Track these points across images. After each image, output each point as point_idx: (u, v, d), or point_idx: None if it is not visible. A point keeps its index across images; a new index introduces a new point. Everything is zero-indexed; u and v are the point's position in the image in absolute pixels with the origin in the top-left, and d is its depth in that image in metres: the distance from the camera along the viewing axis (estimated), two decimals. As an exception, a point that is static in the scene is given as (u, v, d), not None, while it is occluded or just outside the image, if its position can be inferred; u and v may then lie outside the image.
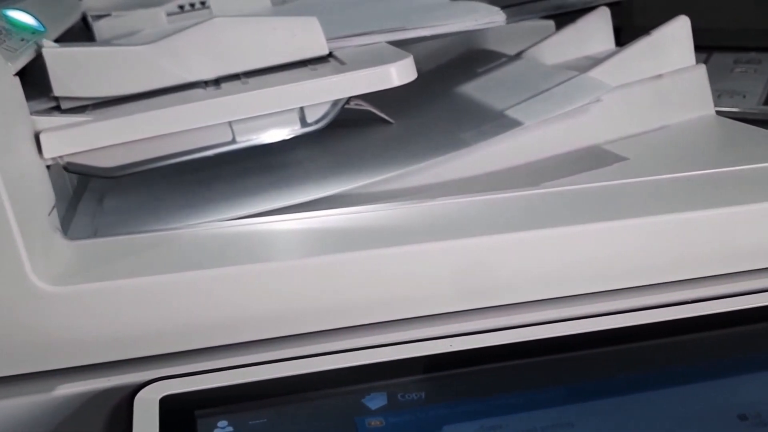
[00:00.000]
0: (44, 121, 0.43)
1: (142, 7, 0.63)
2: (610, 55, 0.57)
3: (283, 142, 0.47)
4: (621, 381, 0.39)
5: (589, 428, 0.37)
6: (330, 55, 0.50)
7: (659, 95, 0.57)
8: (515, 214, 0.45)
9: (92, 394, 0.39)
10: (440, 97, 0.61)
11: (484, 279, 0.43)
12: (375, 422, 0.37)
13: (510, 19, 0.55)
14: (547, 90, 0.54)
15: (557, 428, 0.37)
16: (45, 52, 0.45)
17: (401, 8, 0.59)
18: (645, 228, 0.44)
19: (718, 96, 0.83)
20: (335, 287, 0.41)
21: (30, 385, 0.39)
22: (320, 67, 0.48)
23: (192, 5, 0.64)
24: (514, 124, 0.52)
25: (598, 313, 0.43)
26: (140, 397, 0.38)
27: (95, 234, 0.47)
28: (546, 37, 0.65)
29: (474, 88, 0.61)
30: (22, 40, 0.45)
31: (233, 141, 0.46)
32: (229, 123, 0.45)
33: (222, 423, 0.37)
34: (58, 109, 0.47)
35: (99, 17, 0.62)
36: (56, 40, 0.48)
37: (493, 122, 0.53)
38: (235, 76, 0.48)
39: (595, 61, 0.57)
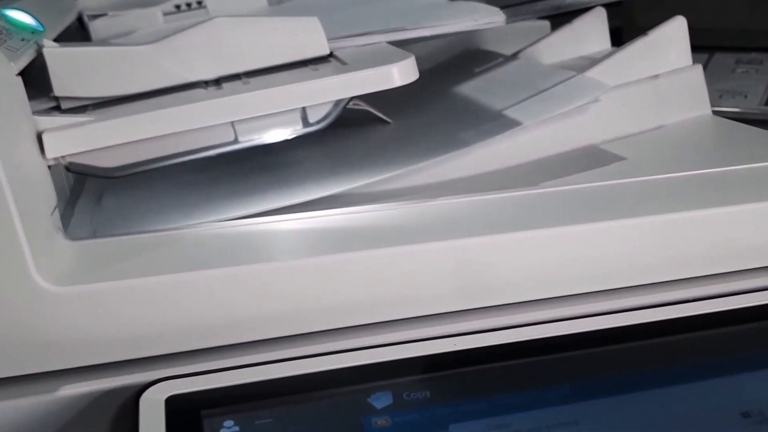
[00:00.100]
0: (46, 121, 0.43)
1: (139, 6, 0.63)
2: (607, 56, 0.57)
3: (282, 142, 0.47)
4: (625, 379, 0.39)
5: (594, 426, 0.37)
6: (331, 55, 0.50)
7: (656, 95, 0.57)
8: (515, 213, 0.46)
9: (97, 395, 0.39)
10: (438, 97, 0.62)
11: (485, 278, 0.43)
12: (381, 421, 0.37)
13: (508, 19, 0.56)
14: (545, 90, 0.54)
15: (562, 427, 0.37)
16: (46, 52, 0.45)
17: (401, 8, 0.59)
18: (650, 227, 0.44)
19: (719, 96, 0.83)
20: (338, 287, 0.41)
21: (35, 386, 0.39)
22: (322, 67, 0.48)
23: (188, 5, 0.64)
24: (513, 124, 0.52)
25: (601, 311, 0.43)
26: (146, 398, 0.38)
27: (94, 234, 0.46)
28: (542, 38, 0.65)
29: (472, 88, 0.61)
30: (23, 39, 0.45)
31: (235, 141, 0.46)
32: (232, 123, 0.45)
33: (228, 423, 0.37)
34: (57, 109, 0.47)
35: (95, 17, 0.62)
36: (54, 40, 0.48)
37: (492, 122, 0.53)
38: (235, 76, 0.48)
39: (592, 62, 0.57)
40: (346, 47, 0.51)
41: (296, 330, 0.41)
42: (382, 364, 0.40)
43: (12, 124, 0.39)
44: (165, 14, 0.63)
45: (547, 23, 0.73)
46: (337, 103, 0.46)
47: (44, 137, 0.42)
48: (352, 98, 0.47)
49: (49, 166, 0.43)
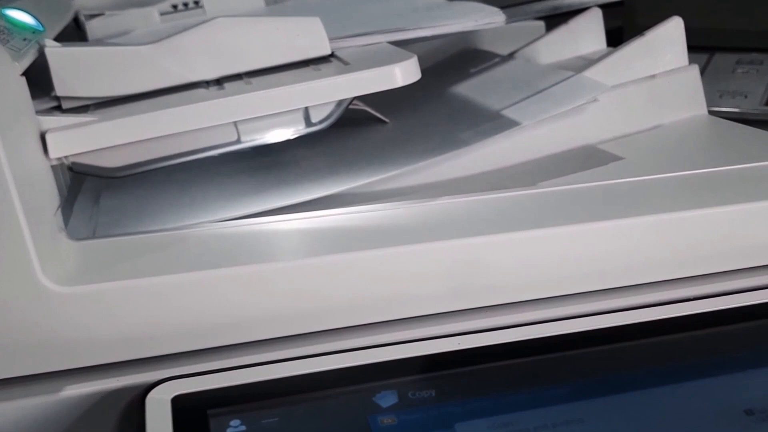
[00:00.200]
0: (50, 121, 0.43)
1: (136, 6, 0.63)
2: (604, 56, 0.57)
3: (281, 142, 0.47)
4: (629, 377, 0.39)
5: (598, 424, 0.37)
6: (332, 55, 0.50)
7: (653, 95, 0.57)
8: (515, 213, 0.46)
9: (102, 395, 0.39)
10: (436, 97, 0.62)
11: (484, 278, 0.43)
12: (387, 420, 0.37)
13: (507, 19, 0.56)
14: (544, 90, 0.55)
15: (568, 425, 0.37)
16: (48, 51, 0.45)
17: (400, 8, 0.59)
18: (654, 225, 0.45)
19: (719, 96, 0.83)
20: (342, 286, 0.41)
21: (41, 386, 0.39)
22: (323, 67, 0.48)
23: (185, 5, 0.64)
24: (512, 123, 0.52)
25: (604, 310, 0.43)
26: (152, 397, 0.38)
27: (94, 234, 0.46)
28: (538, 38, 0.65)
29: (470, 88, 0.61)
30: (25, 39, 0.45)
31: (238, 141, 0.46)
32: (235, 123, 0.45)
33: (235, 422, 0.37)
34: (58, 108, 0.47)
35: (92, 16, 0.62)
36: (54, 40, 0.48)
37: (490, 122, 0.53)
38: (237, 76, 0.48)
39: (589, 62, 0.58)
40: (347, 47, 0.51)
41: (302, 329, 0.41)
42: (386, 363, 0.40)
43: (17, 124, 0.39)
44: (162, 14, 0.63)
45: (541, 24, 0.73)
46: (340, 103, 0.47)
47: (48, 137, 0.42)
48: (354, 98, 0.48)
49: (51, 166, 0.43)
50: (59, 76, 0.45)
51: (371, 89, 0.47)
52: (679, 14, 0.57)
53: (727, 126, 0.58)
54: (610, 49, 0.61)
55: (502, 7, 0.56)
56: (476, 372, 0.40)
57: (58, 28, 0.53)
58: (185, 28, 0.48)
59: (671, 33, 0.58)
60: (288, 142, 0.47)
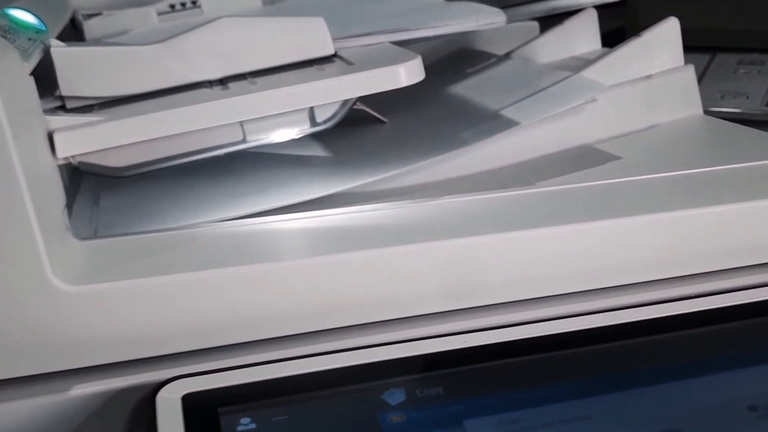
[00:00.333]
0: (56, 121, 0.43)
1: (133, 6, 0.63)
2: (601, 56, 0.58)
3: (281, 142, 0.47)
4: (635, 374, 0.40)
5: (605, 420, 0.38)
6: (335, 55, 0.50)
7: (649, 95, 0.58)
8: (515, 212, 0.46)
9: (112, 393, 0.39)
10: (434, 97, 0.62)
11: (484, 278, 0.44)
12: (397, 417, 0.38)
13: (507, 19, 0.56)
14: (542, 90, 0.55)
15: (575, 421, 0.38)
16: (54, 51, 0.45)
17: (401, 9, 0.59)
18: (662, 223, 0.45)
19: (721, 97, 0.84)
20: (349, 285, 0.42)
21: (51, 385, 0.39)
22: (327, 67, 0.48)
23: (183, 4, 0.64)
24: (511, 123, 0.53)
25: (609, 308, 0.43)
26: (162, 396, 0.38)
27: (95, 234, 0.46)
28: (533, 38, 0.66)
29: (468, 88, 0.61)
30: (30, 39, 0.45)
31: (244, 140, 0.46)
32: (241, 123, 0.45)
33: (245, 420, 0.37)
34: (62, 108, 0.47)
35: (89, 16, 0.62)
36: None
37: (489, 122, 0.54)
38: (240, 76, 0.48)
39: (586, 62, 0.58)
40: (349, 47, 0.52)
41: (310, 328, 0.42)
42: (394, 361, 0.40)
43: (26, 124, 0.39)
44: (159, 14, 0.63)
45: (536, 24, 0.74)
46: (345, 102, 0.47)
47: (55, 137, 0.42)
48: (358, 98, 0.48)
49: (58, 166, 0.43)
50: (64, 76, 0.45)
51: (376, 89, 0.47)
52: (681, 15, 0.58)
53: (722, 126, 0.58)
54: (606, 49, 0.62)
55: (501, 8, 0.56)
56: (483, 369, 0.40)
57: (58, 28, 0.53)
58: (188, 28, 0.48)
59: (668, 33, 0.58)
60: (288, 142, 0.48)
